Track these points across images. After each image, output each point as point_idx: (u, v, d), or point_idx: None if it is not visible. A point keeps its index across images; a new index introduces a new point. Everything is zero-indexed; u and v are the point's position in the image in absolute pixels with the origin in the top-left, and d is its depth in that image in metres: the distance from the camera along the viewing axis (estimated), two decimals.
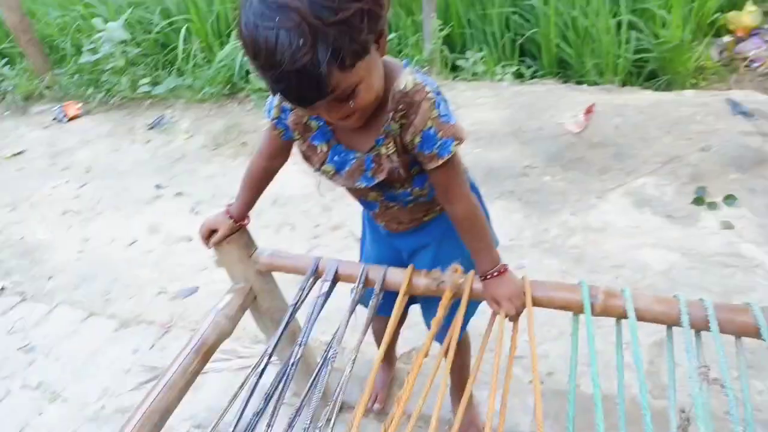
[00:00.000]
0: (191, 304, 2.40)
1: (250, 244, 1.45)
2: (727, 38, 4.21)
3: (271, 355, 1.22)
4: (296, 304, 1.31)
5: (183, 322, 2.29)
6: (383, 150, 1.02)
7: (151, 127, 4.23)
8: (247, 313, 1.51)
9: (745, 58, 4.10)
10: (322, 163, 1.10)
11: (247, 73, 4.40)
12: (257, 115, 4.00)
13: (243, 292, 1.45)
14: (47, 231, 3.16)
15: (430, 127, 0.97)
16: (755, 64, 4.07)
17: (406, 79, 0.96)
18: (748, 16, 4.15)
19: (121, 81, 4.72)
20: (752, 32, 4.20)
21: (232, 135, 3.86)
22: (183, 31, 4.72)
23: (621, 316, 1.09)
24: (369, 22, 0.80)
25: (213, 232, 1.37)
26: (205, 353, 1.30)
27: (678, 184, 2.64)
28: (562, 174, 2.88)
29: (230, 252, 1.42)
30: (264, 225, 2.82)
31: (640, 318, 1.06)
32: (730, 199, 2.48)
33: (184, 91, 4.53)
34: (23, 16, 5.10)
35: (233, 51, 4.43)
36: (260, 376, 1.17)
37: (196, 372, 1.27)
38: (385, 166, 1.04)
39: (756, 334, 0.96)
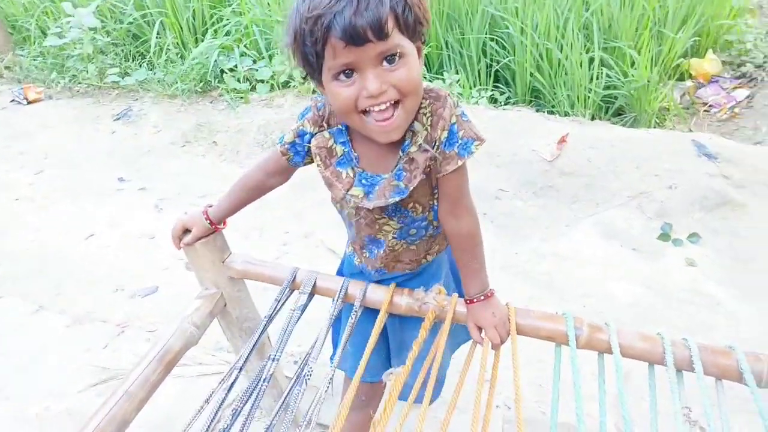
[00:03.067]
0: (150, 304, 2.29)
1: (224, 249, 1.39)
2: (689, 83, 4.40)
3: (241, 369, 1.16)
4: (271, 315, 1.26)
5: (140, 323, 2.18)
6: (413, 149, 0.98)
7: (117, 118, 4.08)
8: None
9: (704, 103, 4.28)
10: (349, 189, 1.05)
11: (222, 72, 4.32)
12: (230, 115, 3.91)
13: (213, 299, 1.38)
14: None
15: (454, 123, 0.96)
16: (714, 110, 4.26)
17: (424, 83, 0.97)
18: (708, 64, 4.35)
19: (87, 68, 4.54)
20: (712, 79, 4.40)
21: (203, 133, 3.75)
22: (157, 24, 4.60)
23: (605, 350, 1.08)
24: (420, 13, 0.86)
25: (186, 231, 1.30)
26: (168, 362, 1.23)
27: (645, 219, 2.71)
28: (534, 200, 2.92)
29: (202, 255, 1.35)
30: (232, 228, 2.72)
31: (624, 354, 1.05)
32: (694, 237, 2.56)
33: (155, 84, 4.39)
34: None
35: (209, 49, 4.34)
36: (229, 391, 1.11)
37: (158, 382, 1.20)
38: (420, 163, 0.98)
39: (738, 378, 0.97)
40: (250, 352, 1.18)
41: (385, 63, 0.85)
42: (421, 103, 0.95)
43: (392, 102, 0.88)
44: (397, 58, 0.85)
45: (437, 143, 0.97)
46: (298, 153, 1.11)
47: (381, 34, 0.80)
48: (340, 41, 0.80)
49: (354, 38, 0.79)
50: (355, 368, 1.11)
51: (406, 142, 0.98)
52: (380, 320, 1.19)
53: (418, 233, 1.15)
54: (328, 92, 0.90)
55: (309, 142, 1.07)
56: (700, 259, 2.44)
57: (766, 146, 3.37)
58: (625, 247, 2.56)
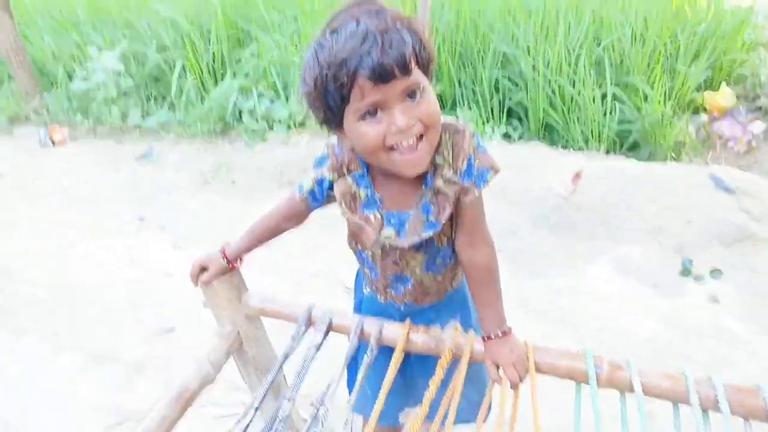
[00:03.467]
0: (167, 343, 2.29)
1: (240, 286, 1.40)
2: (703, 116, 4.38)
3: (257, 409, 1.15)
4: (287, 354, 1.26)
5: (157, 361, 2.18)
6: (439, 182, 1.00)
7: (139, 159, 4.18)
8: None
9: (721, 137, 4.26)
10: (380, 230, 1.06)
11: (240, 113, 4.42)
12: (248, 155, 3.99)
13: (230, 337, 1.39)
14: (20, 255, 3.04)
15: (471, 155, 0.99)
16: (731, 143, 4.23)
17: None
18: (722, 97, 4.33)
19: (111, 110, 4.69)
20: (727, 112, 4.39)
21: (222, 173, 3.82)
22: (178, 66, 4.75)
23: (626, 389, 1.05)
24: (431, 50, 0.90)
25: (203, 270, 1.32)
26: (185, 401, 1.23)
27: (663, 255, 2.68)
28: (549, 236, 2.90)
29: (219, 292, 1.37)
30: (248, 265, 2.75)
31: (646, 393, 1.03)
32: (715, 272, 2.51)
33: (175, 125, 4.51)
34: (17, 37, 5.08)
35: (228, 90, 4.46)
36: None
37: (175, 421, 1.20)
38: (450, 196, 1.00)
39: (767, 418, 0.94)
40: (266, 391, 1.18)
41: (407, 99, 0.88)
42: (441, 137, 0.98)
43: (418, 136, 0.91)
44: (419, 93, 0.89)
45: (458, 174, 0.99)
46: (316, 199, 1.15)
47: (406, 70, 0.85)
48: (368, 81, 0.83)
49: (382, 76, 0.83)
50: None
51: (429, 176, 1.01)
52: (396, 359, 1.18)
53: (443, 262, 1.16)
54: (353, 133, 0.92)
55: (329, 189, 1.11)
56: (721, 295, 2.39)
57: None
58: (643, 284, 2.52)
